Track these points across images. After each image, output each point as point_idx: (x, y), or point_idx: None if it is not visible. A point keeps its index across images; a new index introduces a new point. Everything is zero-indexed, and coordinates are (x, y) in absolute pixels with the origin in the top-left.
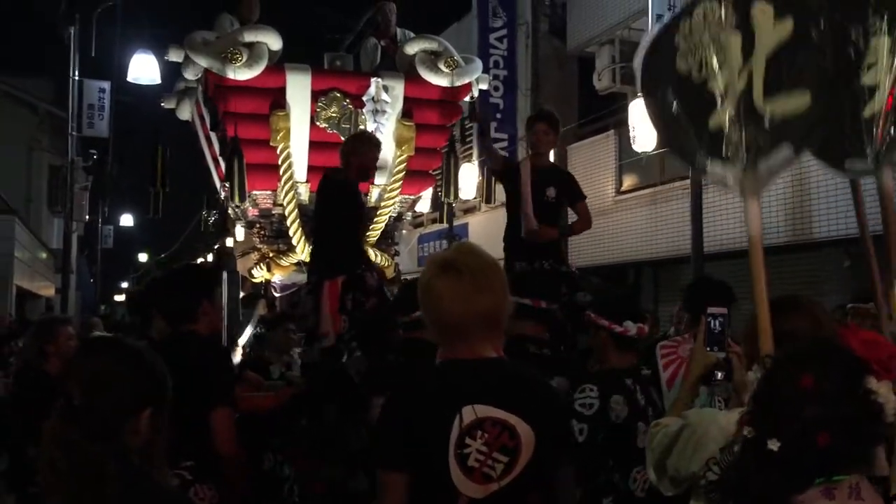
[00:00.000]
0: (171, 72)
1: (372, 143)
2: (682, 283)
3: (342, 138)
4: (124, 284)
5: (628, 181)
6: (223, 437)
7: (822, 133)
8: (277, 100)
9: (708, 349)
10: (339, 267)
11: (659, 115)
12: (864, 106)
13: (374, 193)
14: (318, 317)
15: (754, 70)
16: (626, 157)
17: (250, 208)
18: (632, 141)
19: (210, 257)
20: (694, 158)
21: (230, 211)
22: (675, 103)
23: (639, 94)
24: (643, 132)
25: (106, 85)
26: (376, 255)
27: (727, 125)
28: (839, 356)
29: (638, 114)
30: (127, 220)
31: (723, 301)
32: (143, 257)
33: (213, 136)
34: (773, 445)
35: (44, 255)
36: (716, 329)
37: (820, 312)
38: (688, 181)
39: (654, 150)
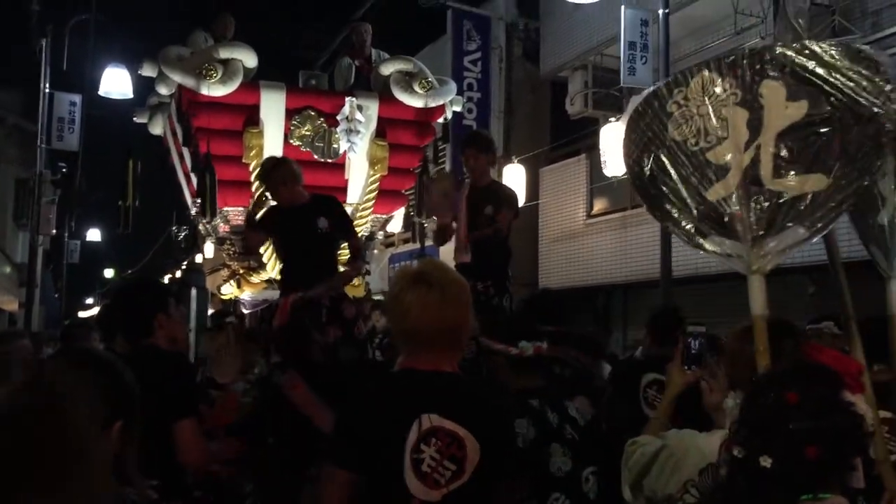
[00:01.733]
0: (144, 86)
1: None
2: (651, 307)
3: (316, 157)
4: (89, 300)
5: (599, 205)
6: (190, 447)
7: (840, 214)
8: (251, 117)
9: (686, 368)
10: (289, 286)
11: (647, 181)
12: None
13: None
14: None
15: (762, 147)
16: (598, 181)
17: (221, 225)
18: (603, 165)
19: (178, 273)
20: (685, 229)
21: (200, 227)
22: (668, 170)
23: (611, 120)
24: (614, 157)
25: (77, 98)
26: None
27: (732, 199)
28: (818, 372)
29: (609, 139)
30: (94, 234)
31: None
32: (109, 273)
33: (185, 151)
34: (766, 462)
35: (8, 269)
36: (694, 349)
37: (801, 336)
38: None
39: (624, 175)
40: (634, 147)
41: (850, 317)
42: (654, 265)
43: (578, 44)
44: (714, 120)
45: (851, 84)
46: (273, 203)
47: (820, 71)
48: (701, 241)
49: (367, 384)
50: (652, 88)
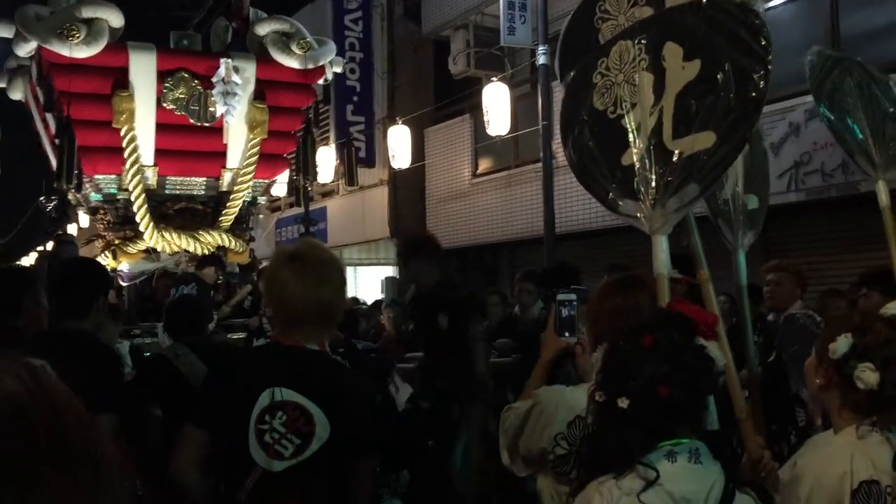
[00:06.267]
0: (1, 49)
1: None
2: (537, 264)
3: (192, 120)
4: None
5: (484, 164)
6: None
7: (726, 168)
8: (120, 79)
9: (559, 335)
10: None
11: (575, 151)
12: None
13: (226, 177)
14: None
15: (664, 109)
16: (482, 141)
17: (93, 193)
18: (486, 125)
19: (49, 245)
20: (606, 196)
21: (70, 197)
22: (590, 140)
23: (493, 80)
24: (497, 116)
25: None
26: (230, 241)
27: (638, 162)
28: (673, 319)
29: (492, 98)
30: None
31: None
32: None
33: (49, 117)
34: (623, 403)
35: None
36: (565, 315)
37: (656, 289)
38: (540, 164)
39: (507, 134)
40: (566, 118)
41: (704, 273)
42: (539, 222)
43: (459, 3)
44: (627, 87)
45: (736, 45)
46: None
47: (710, 32)
48: (617, 205)
49: (233, 354)
50: (582, 61)
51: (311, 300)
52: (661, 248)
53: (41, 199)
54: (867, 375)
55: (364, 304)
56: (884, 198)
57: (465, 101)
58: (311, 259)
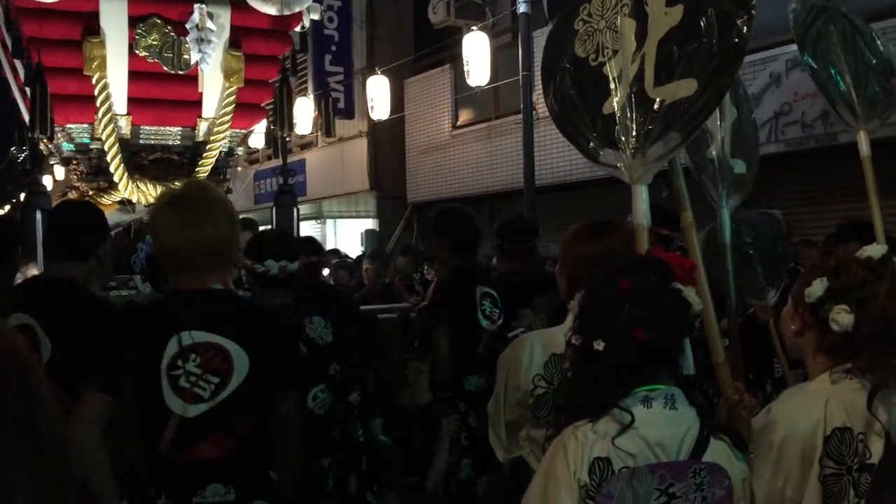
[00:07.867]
0: None
1: None
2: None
3: (165, 68)
4: None
5: (464, 115)
6: None
7: (708, 115)
8: (90, 25)
9: None
10: None
11: (556, 100)
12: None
13: (202, 127)
14: None
15: (646, 56)
16: (462, 92)
17: (65, 143)
18: (466, 75)
19: (22, 197)
20: (586, 145)
21: (42, 147)
22: (571, 88)
23: (473, 29)
24: (477, 66)
25: None
26: None
27: (619, 111)
28: (650, 264)
29: (471, 48)
30: None
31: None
32: None
33: (17, 63)
34: (599, 346)
35: None
36: None
37: (629, 234)
38: (520, 116)
39: (487, 85)
40: (548, 65)
41: (688, 216)
42: (520, 174)
43: None
44: (609, 33)
45: None
46: None
47: None
48: (598, 155)
49: (132, 310)
50: (565, 7)
51: (193, 241)
52: (641, 199)
53: (13, 149)
54: (842, 317)
55: (347, 257)
56: (864, 148)
57: (445, 51)
58: (189, 199)
